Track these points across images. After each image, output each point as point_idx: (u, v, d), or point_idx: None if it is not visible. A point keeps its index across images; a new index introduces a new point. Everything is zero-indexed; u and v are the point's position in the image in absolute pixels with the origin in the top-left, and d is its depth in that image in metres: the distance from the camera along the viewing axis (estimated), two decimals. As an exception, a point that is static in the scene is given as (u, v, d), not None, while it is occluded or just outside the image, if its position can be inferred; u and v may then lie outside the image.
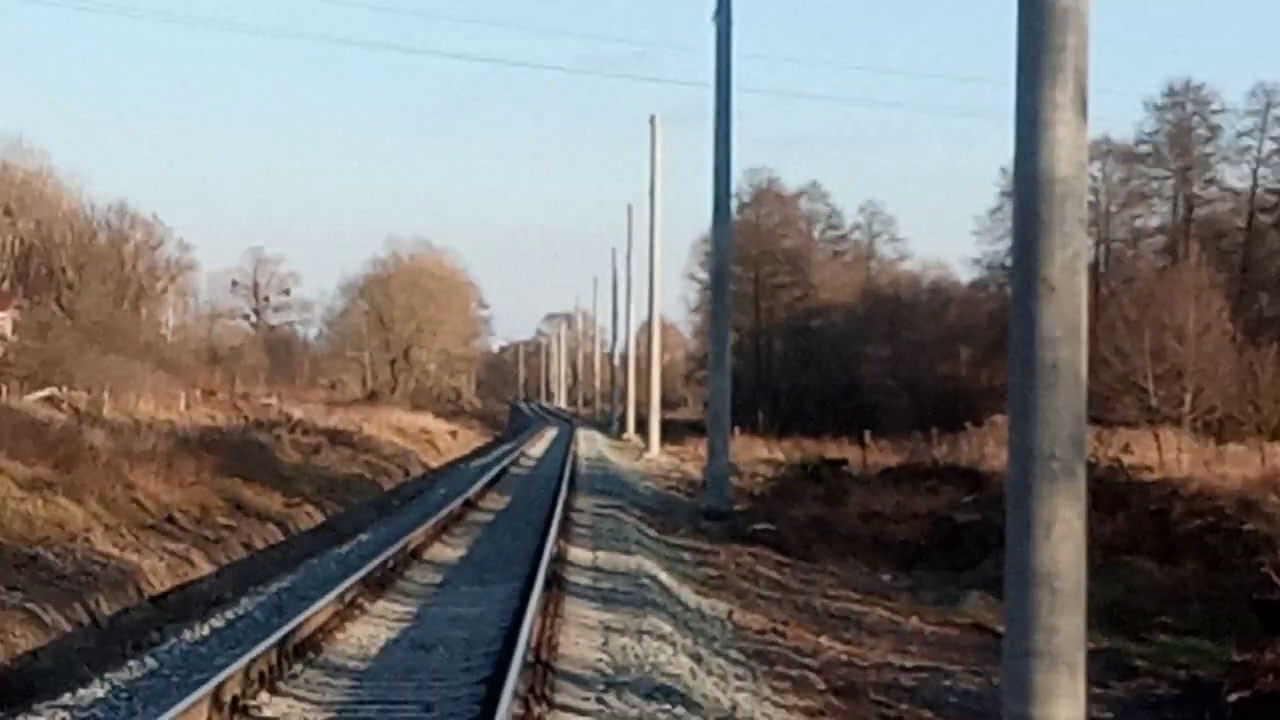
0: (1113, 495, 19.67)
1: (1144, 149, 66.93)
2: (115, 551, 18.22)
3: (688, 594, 15.98)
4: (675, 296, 76.40)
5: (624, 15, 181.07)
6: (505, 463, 38.66)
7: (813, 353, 70.89)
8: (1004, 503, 7.86)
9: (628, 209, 63.52)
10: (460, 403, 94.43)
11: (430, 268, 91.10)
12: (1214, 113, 66.21)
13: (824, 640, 13.97)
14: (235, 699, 8.16)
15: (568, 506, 23.15)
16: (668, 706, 8.84)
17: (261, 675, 8.95)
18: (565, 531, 19.71)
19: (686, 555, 20.16)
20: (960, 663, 12.85)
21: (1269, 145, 64.75)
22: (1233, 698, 11.08)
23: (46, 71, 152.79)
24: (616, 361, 75.65)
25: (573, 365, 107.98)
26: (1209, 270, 50.87)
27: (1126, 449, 27.55)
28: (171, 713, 7.25)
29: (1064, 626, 6.98)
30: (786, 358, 73.54)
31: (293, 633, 10.49)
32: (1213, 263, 53.25)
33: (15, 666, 12.12)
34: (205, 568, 19.49)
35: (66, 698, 8.98)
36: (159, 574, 18.14)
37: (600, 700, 8.95)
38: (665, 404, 55.55)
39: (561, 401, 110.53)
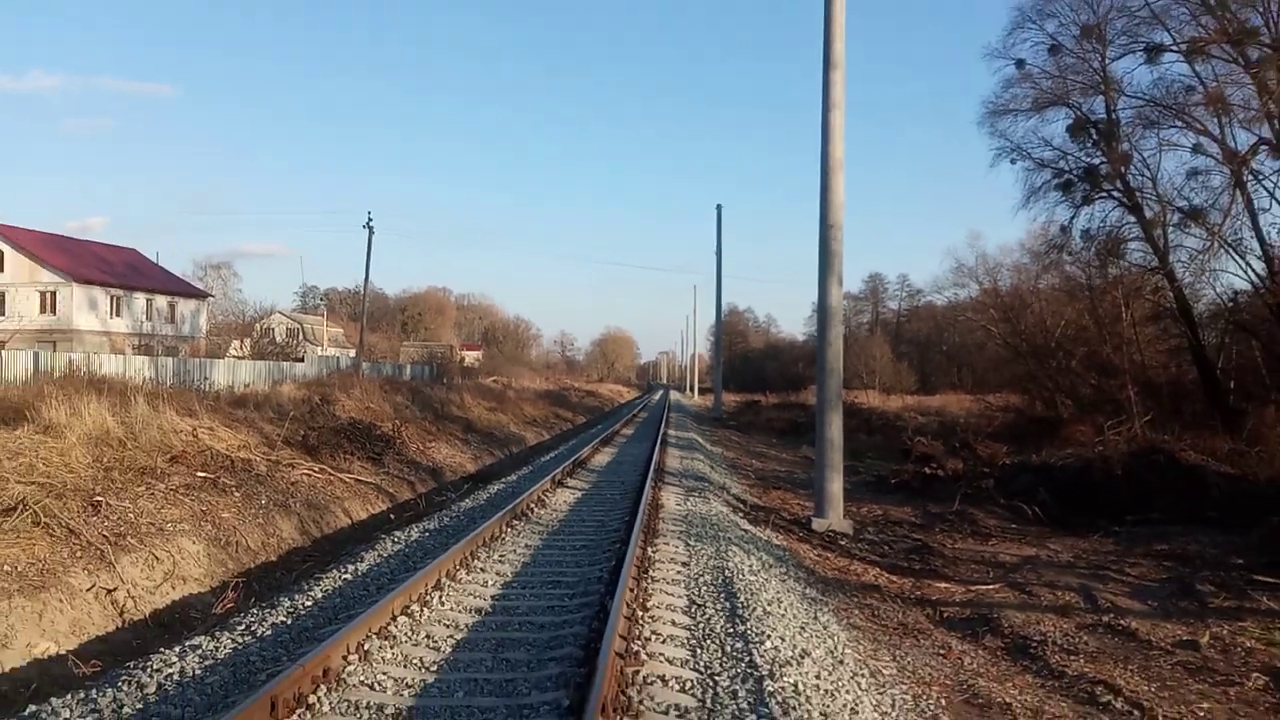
0: (851, 413, 31.74)
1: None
2: (516, 431, 33.45)
3: (708, 445, 30.29)
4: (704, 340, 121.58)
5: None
6: (645, 400, 75.93)
7: (747, 365, 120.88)
8: (815, 413, 20.26)
9: (694, 289, 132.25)
10: (631, 383, 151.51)
11: (621, 337, 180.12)
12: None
13: (754, 461, 27.81)
14: (557, 480, 18.50)
15: (665, 412, 43.96)
16: (702, 483, 19.66)
17: (567, 472, 19.70)
18: (668, 422, 35.15)
19: (708, 431, 37.66)
20: (800, 469, 26.23)
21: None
22: (893, 481, 23.32)
23: None
24: (685, 365, 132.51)
25: (669, 368, 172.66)
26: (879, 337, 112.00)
27: (856, 398, 50.76)
28: (544, 482, 16.66)
29: (835, 457, 16.24)
30: (737, 365, 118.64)
31: (580, 453, 22.11)
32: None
33: (482, 471, 24.44)
34: (547, 437, 35.63)
35: (500, 483, 20.07)
36: (529, 439, 32.48)
37: (680, 480, 19.67)
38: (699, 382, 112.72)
39: (664, 381, 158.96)
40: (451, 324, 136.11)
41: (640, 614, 7.93)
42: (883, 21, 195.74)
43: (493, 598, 8.58)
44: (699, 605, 8.49)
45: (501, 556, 10.48)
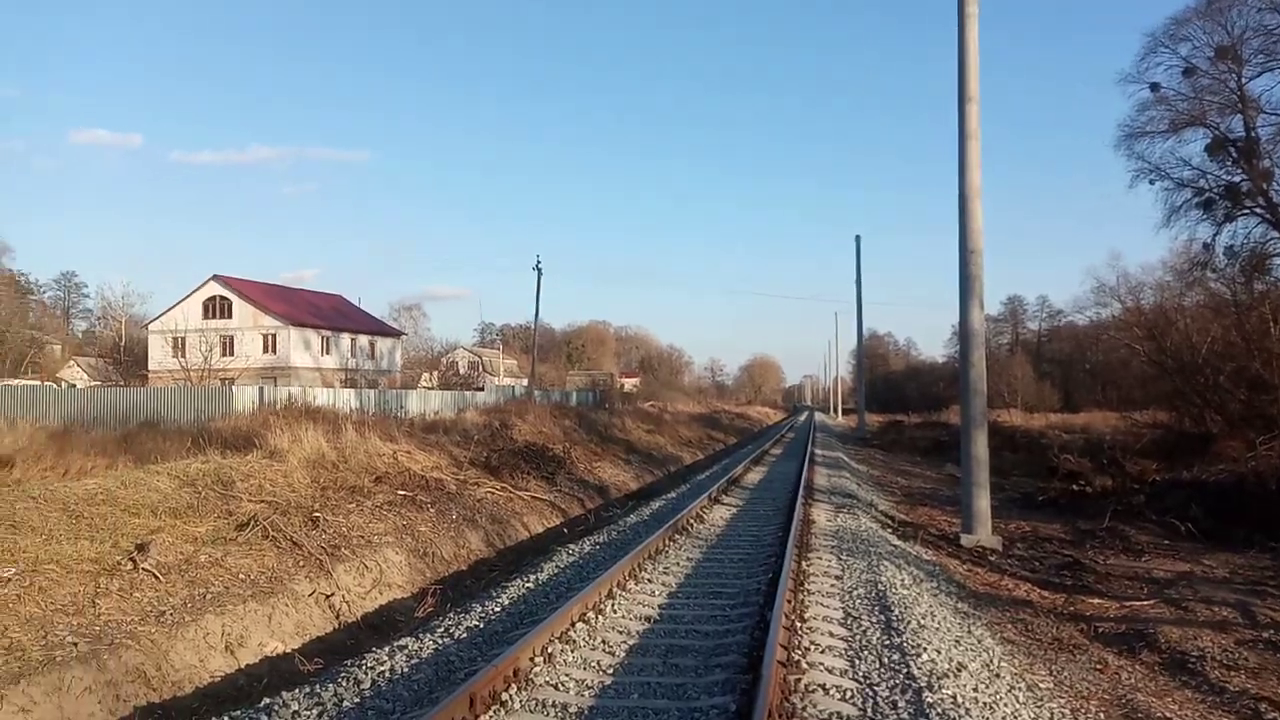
0: (994, 431, 31.18)
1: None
2: (673, 451, 33.04)
3: (854, 464, 29.57)
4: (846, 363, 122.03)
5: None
6: (791, 421, 74.37)
7: (889, 386, 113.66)
8: (958, 432, 19.29)
9: (834, 315, 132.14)
10: (777, 406, 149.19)
11: (767, 361, 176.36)
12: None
13: (899, 479, 26.97)
14: (713, 497, 18.72)
15: (811, 432, 42.79)
16: (850, 500, 19.42)
17: (722, 490, 19.82)
18: (814, 442, 34.39)
19: (853, 450, 36.51)
20: (945, 486, 25.31)
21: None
22: (1040, 498, 22.17)
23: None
24: (828, 387, 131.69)
25: (813, 390, 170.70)
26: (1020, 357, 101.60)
27: (998, 416, 45.81)
28: (701, 499, 16.63)
29: (981, 474, 14.78)
30: (878, 387, 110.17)
31: (732, 471, 22.14)
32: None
33: (644, 488, 24.71)
34: (701, 456, 35.30)
35: (660, 499, 19.56)
36: (686, 459, 32.43)
37: (829, 497, 19.45)
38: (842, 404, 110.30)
39: (809, 403, 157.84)
40: (611, 353, 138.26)
41: (799, 624, 7.80)
42: (1016, 46, 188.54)
43: (660, 607, 8.61)
44: (854, 617, 8.29)
45: (666, 569, 10.52)
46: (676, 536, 12.84)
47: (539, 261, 58.63)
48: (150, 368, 60.40)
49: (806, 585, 9.50)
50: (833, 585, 9.67)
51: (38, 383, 55.81)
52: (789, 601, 8.32)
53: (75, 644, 7.42)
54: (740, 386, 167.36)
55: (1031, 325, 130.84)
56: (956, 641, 7.95)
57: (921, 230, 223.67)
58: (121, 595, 8.52)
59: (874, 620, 8.19)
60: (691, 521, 14.28)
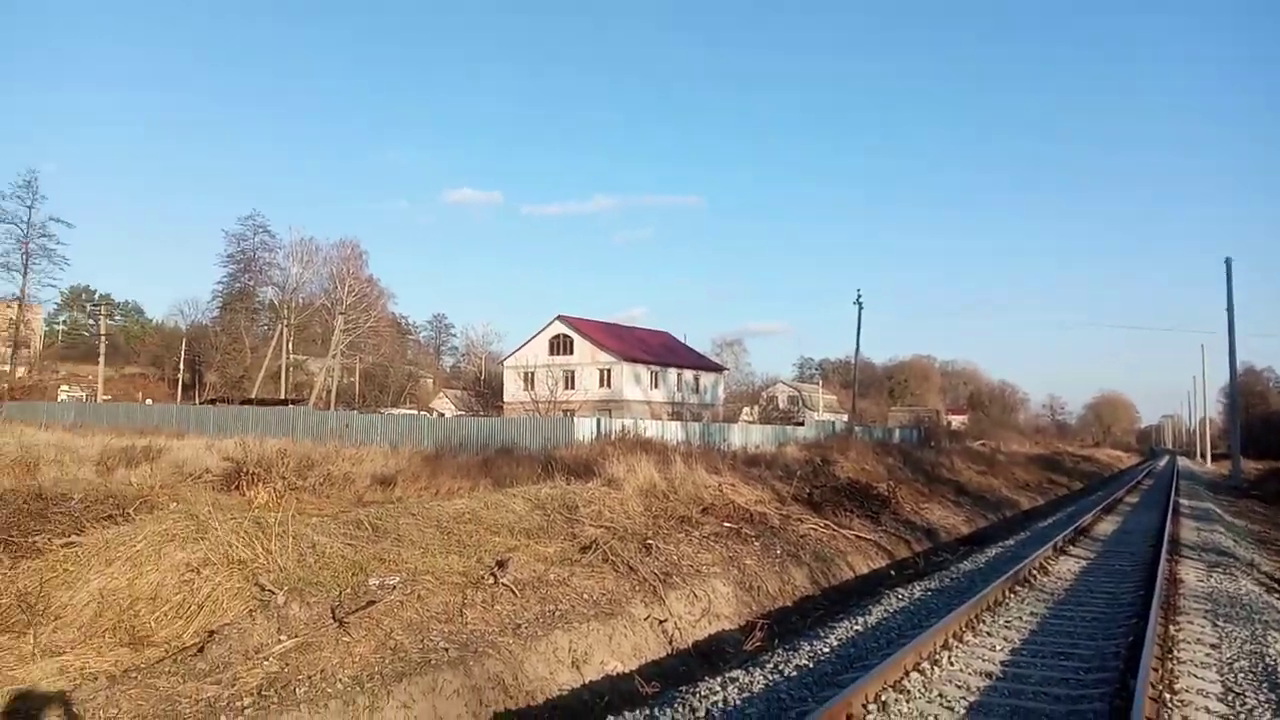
0: None
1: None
2: (1008, 495, 31.62)
3: (1227, 516, 26.05)
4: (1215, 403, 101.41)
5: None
6: (1150, 466, 69.97)
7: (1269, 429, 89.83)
8: None
9: (1200, 348, 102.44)
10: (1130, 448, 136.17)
11: (1116, 399, 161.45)
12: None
13: (1283, 534, 23.26)
14: (1058, 547, 16.12)
15: (1174, 479, 38.63)
16: (1225, 558, 16.46)
17: (1068, 540, 17.26)
18: (1177, 490, 31.15)
19: (1225, 502, 32.04)
20: None
21: None
22: None
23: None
24: (1193, 429, 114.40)
25: (1174, 432, 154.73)
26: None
27: None
28: (1044, 548, 15.08)
29: None
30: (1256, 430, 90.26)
31: (1080, 520, 19.92)
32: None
33: (976, 533, 23.39)
34: (1041, 502, 33.70)
35: (996, 546, 17.89)
36: (1023, 504, 30.80)
37: (1198, 554, 16.52)
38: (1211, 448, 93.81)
39: (1169, 446, 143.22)
40: (936, 389, 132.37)
41: (1167, 696, 6.94)
42: None
43: (1001, 663, 8.04)
44: (1236, 694, 7.22)
45: (1007, 622, 9.81)
46: (1018, 588, 11.94)
47: (859, 295, 57.77)
48: (505, 399, 66.75)
49: (1175, 653, 8.43)
50: (1207, 655, 8.50)
51: (414, 412, 63.82)
52: (1155, 670, 7.42)
53: (446, 649, 8.29)
54: (1084, 426, 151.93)
55: None
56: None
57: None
58: (484, 606, 9.41)
59: (1262, 699, 7.08)
60: (1034, 573, 13.21)
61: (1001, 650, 8.50)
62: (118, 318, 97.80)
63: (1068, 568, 14.31)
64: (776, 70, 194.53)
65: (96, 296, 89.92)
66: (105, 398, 65.42)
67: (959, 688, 7.16)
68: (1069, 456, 67.65)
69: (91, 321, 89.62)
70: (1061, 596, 11.66)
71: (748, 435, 41.52)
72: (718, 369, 78.97)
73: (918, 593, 11.97)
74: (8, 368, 62.03)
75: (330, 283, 73.65)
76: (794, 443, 36.56)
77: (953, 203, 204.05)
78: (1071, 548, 16.78)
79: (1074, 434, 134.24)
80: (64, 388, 72.99)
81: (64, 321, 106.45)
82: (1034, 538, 18.93)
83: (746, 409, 78.04)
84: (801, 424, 53.96)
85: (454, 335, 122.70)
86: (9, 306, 65.01)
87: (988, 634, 9.16)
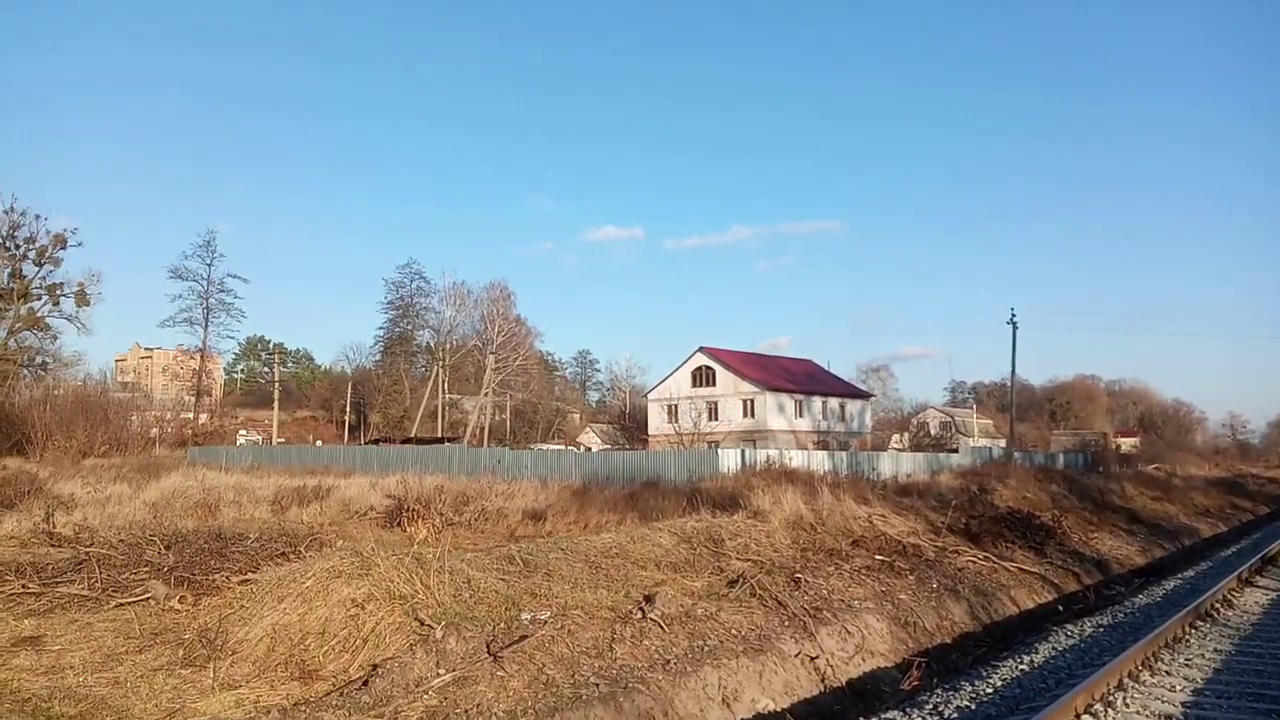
0: None
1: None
2: (1187, 522, 29.37)
3: None
4: None
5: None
6: None
7: None
8: None
9: None
10: None
11: None
12: None
13: None
14: (1244, 578, 15.45)
15: None
16: None
17: (1255, 570, 16.40)
18: None
19: None
20: None
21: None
22: None
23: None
24: None
25: None
26: None
27: None
28: (1228, 579, 13.95)
29: None
30: None
31: (1267, 548, 18.16)
32: None
33: (1152, 564, 21.72)
34: (1223, 529, 30.94)
35: (1175, 578, 16.88)
36: (1203, 531, 28.72)
37: None
38: None
39: None
40: (1102, 411, 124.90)
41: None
42: None
43: (1183, 704, 7.47)
44: None
45: (1188, 660, 9.11)
46: (1199, 623, 11.09)
47: (1013, 315, 55.44)
48: (649, 432, 67.34)
49: (1388, 698, 7.62)
50: None
51: (561, 447, 65.18)
52: (1365, 718, 6.72)
53: (597, 684, 8.37)
54: (1270, 446, 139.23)
55: None
56: None
57: None
58: (633, 642, 9.46)
59: None
60: (1217, 606, 12.25)
61: (1182, 691, 7.90)
62: (290, 365, 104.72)
63: (1255, 600, 13.19)
64: (906, 98, 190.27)
65: (270, 345, 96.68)
66: (279, 440, 69.90)
67: (1136, 733, 6.70)
68: (1253, 479, 62.13)
69: (266, 369, 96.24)
70: (1248, 632, 10.75)
71: (898, 463, 40.29)
72: (864, 396, 77.20)
73: (1088, 629, 11.30)
74: (191, 415, 67.06)
75: (481, 324, 76.51)
76: (948, 470, 35.20)
77: (1109, 210, 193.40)
78: (1258, 578, 15.49)
79: (1258, 455, 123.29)
80: (242, 432, 78.36)
81: (241, 370, 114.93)
82: (1216, 568, 17.59)
83: (895, 436, 75.87)
84: (955, 450, 51.95)
85: (598, 370, 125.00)
86: (192, 358, 70.33)
87: (1167, 673, 8.53)
